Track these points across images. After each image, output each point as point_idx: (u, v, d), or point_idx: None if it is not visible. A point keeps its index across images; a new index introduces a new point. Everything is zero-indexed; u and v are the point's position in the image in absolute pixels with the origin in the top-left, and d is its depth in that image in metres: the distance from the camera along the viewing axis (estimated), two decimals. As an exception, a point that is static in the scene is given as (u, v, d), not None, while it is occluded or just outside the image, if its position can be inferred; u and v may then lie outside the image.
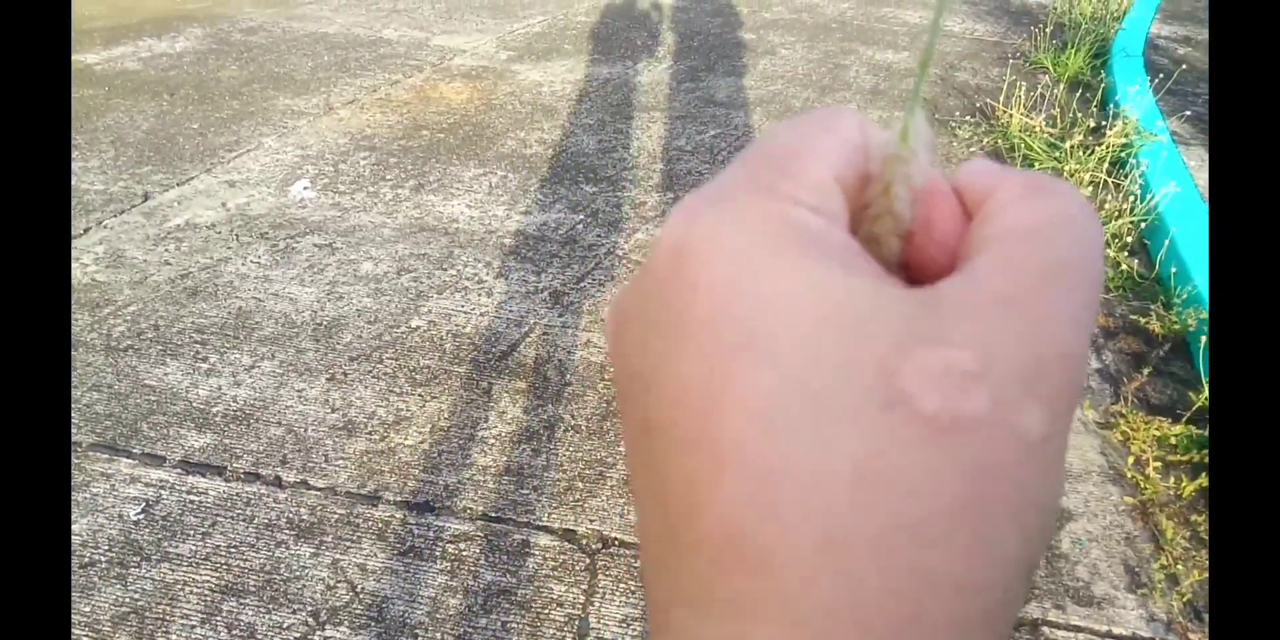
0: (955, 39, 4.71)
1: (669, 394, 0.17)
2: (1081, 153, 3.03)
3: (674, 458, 0.16)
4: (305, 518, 1.59)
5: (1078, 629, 1.45)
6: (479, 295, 2.29)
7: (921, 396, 0.15)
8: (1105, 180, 2.81)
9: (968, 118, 3.49)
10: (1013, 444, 0.15)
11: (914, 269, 0.20)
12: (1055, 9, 5.30)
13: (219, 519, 1.60)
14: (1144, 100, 3.28)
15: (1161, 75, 3.80)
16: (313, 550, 1.54)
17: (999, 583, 0.15)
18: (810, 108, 0.29)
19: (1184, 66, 3.98)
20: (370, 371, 1.97)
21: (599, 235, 2.63)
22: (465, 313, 2.21)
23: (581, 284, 2.37)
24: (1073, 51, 4.02)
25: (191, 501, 1.62)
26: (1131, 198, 2.67)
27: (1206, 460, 1.74)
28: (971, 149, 3.25)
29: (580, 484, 1.67)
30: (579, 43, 4.46)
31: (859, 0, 5.53)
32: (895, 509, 0.15)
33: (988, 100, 3.62)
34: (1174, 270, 2.24)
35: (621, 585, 1.48)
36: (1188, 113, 3.28)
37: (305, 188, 2.84)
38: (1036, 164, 3.05)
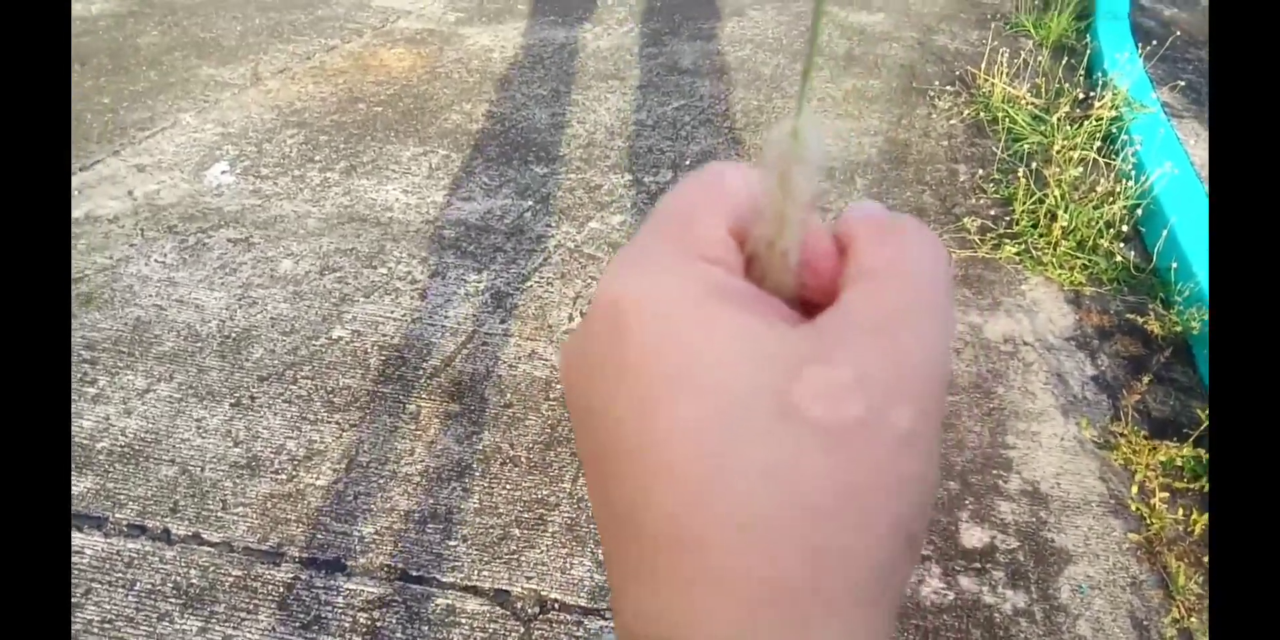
0: (932, -1, 4.35)
1: (615, 422, 0.20)
2: (1069, 126, 2.75)
3: (621, 474, 0.20)
4: (195, 582, 1.32)
5: (1081, 698, 1.25)
6: (411, 298, 1.99)
7: (810, 407, 0.19)
8: (1095, 159, 2.54)
9: (948, 87, 3.18)
10: (887, 438, 0.19)
11: (805, 300, 0.23)
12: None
13: (94, 585, 1.32)
14: (1133, 69, 2.98)
15: (1150, 39, 3.50)
16: (201, 623, 1.27)
17: (885, 551, 0.19)
18: (705, 165, 0.24)
19: (1173, 29, 3.68)
20: (281, 394, 1.67)
21: (549, 225, 2.32)
22: (395, 320, 1.92)
23: (527, 283, 2.07)
24: (1055, 13, 3.69)
25: (60, 563, 1.34)
26: (1125, 179, 2.41)
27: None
28: (951, 121, 2.96)
29: (517, 531, 1.41)
30: (535, 2, 4.05)
31: (832, -44, 5.11)
32: (795, 496, 0.18)
33: (968, 67, 3.31)
34: (1174, 265, 1.99)
35: (562, 660, 1.24)
36: (1180, 82, 3.00)
37: (223, 172, 2.49)
38: (1022, 138, 2.77)
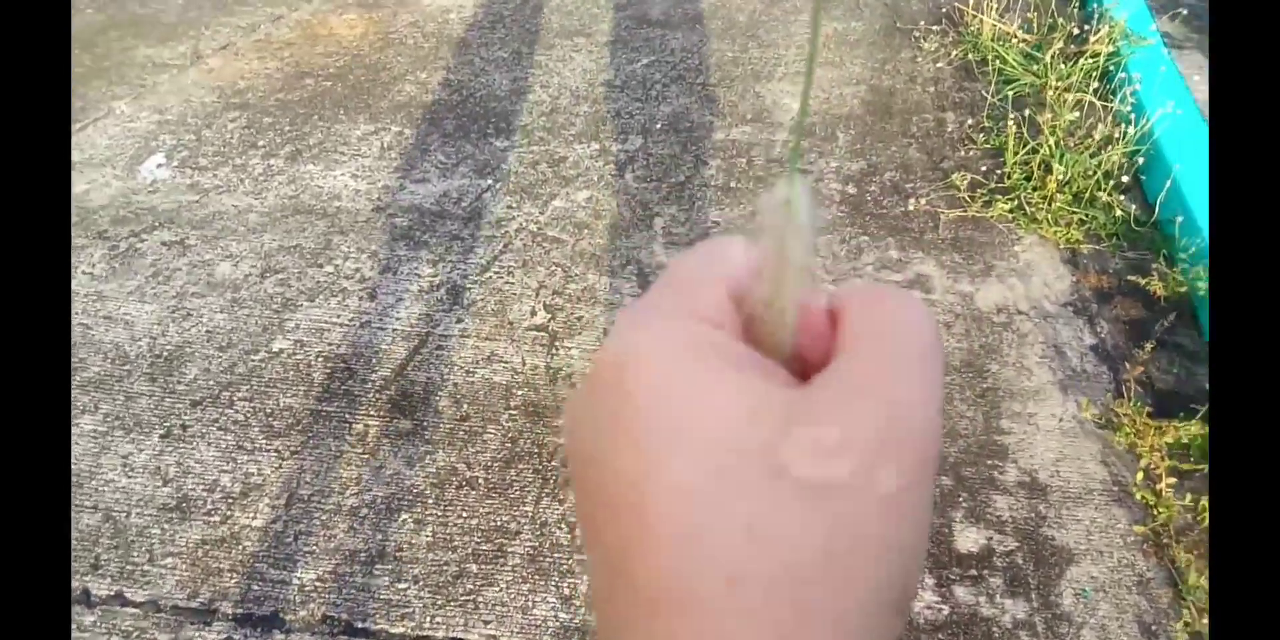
0: (918, -75, 3.99)
1: (611, 477, 0.20)
2: (1064, 65, 2.50)
3: (615, 527, 0.20)
4: None
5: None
6: (360, 299, 1.83)
7: (796, 466, 0.19)
8: (1092, 101, 2.30)
9: (934, 26, 2.90)
10: (872, 499, 0.19)
11: (801, 365, 0.23)
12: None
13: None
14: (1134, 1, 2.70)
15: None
16: (138, 682, 1.17)
17: (868, 615, 0.19)
18: (709, 239, 0.25)
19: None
20: (216, 420, 1.53)
21: (510, 205, 2.13)
22: (341, 326, 1.76)
23: (487, 274, 1.90)
24: (1052, -65, 3.36)
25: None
26: (1124, 123, 2.18)
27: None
28: (939, 63, 2.70)
29: (474, 566, 1.29)
30: (493, -46, 3.73)
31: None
32: (780, 555, 0.18)
33: (955, 3, 3.02)
34: (1178, 218, 1.80)
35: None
36: (1182, 10, 2.72)
37: (159, 165, 2.29)
38: (1014, 80, 2.53)
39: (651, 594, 0.19)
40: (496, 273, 1.90)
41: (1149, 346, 1.62)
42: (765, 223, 0.22)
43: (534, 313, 1.79)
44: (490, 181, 2.22)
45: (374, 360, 1.67)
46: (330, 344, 1.71)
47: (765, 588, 0.18)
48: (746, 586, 0.18)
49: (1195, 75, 2.39)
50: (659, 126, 2.45)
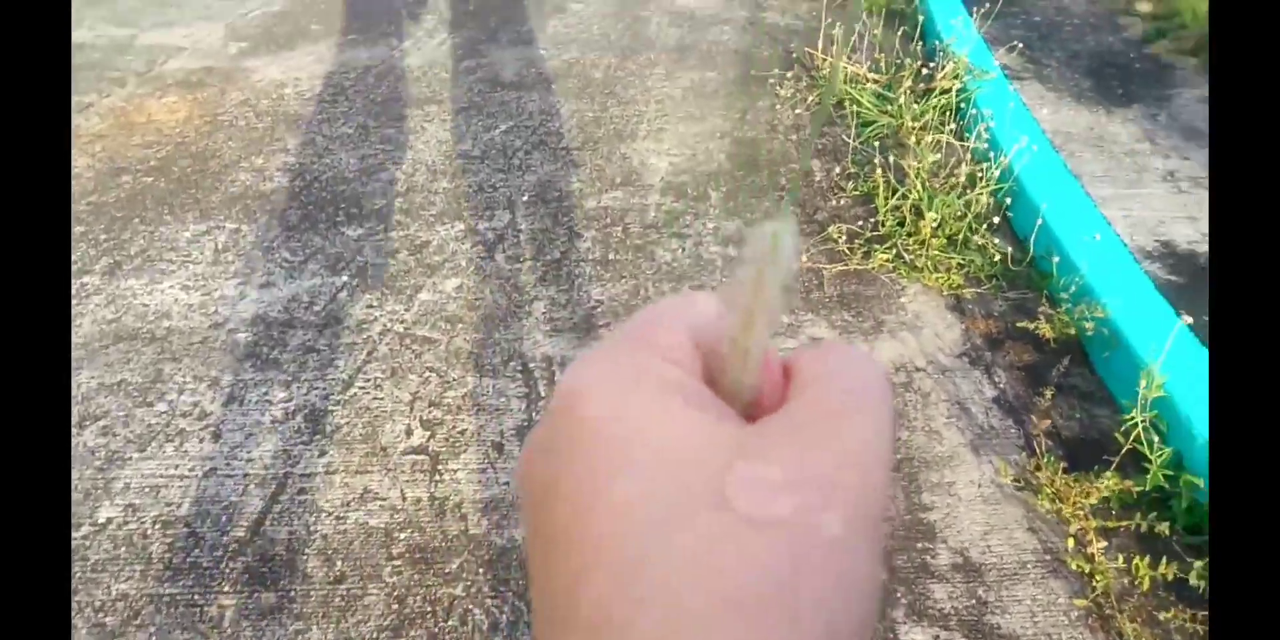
0: (756, -30, 4.07)
1: (558, 505, 0.20)
2: (915, 104, 2.55)
3: (560, 558, 0.20)
4: None
5: None
6: (201, 441, 1.56)
7: (739, 501, 0.19)
8: (950, 141, 2.33)
9: (787, 72, 2.92)
10: (815, 540, 0.18)
11: (758, 410, 0.23)
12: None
13: None
14: (968, 33, 2.81)
15: (973, -5, 3.35)
16: None
17: None
18: (675, 293, 0.28)
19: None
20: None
21: (370, 304, 1.91)
22: (181, 478, 1.48)
23: (350, 390, 1.68)
24: (880, -24, 3.49)
25: None
26: (982, 160, 2.22)
27: (1148, 525, 1.34)
28: (797, 110, 2.70)
29: None
30: (331, 20, 3.50)
31: (647, -67, 4.74)
32: (719, 590, 0.18)
33: (804, 48, 3.06)
34: (1055, 259, 1.81)
35: None
36: (1016, 43, 2.85)
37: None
38: (871, 122, 2.55)
39: (594, 621, 0.18)
40: (362, 388, 1.68)
41: (1049, 394, 1.59)
42: (745, 259, 0.22)
43: (409, 432, 1.58)
44: (345, 278, 1.99)
45: (224, 519, 1.40)
46: (169, 504, 1.43)
47: (704, 620, 0.17)
48: (684, 619, 0.17)
49: (1043, 108, 2.48)
50: (526, 198, 2.30)
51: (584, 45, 3.25)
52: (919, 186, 2.09)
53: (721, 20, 3.45)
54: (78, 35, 3.35)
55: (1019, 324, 1.77)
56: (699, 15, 3.51)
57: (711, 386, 0.23)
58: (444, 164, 2.47)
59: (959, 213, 2.04)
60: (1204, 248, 1.91)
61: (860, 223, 2.14)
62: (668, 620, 0.17)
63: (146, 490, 1.46)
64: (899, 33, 3.05)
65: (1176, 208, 2.07)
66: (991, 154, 2.17)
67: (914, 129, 2.45)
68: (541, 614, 0.20)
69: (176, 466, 1.50)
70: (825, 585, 0.18)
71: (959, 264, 1.95)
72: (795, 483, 0.19)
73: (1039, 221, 1.88)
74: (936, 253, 1.97)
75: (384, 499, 1.44)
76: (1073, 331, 1.71)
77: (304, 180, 2.39)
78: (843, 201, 2.25)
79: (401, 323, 1.85)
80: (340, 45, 3.26)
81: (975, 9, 3.09)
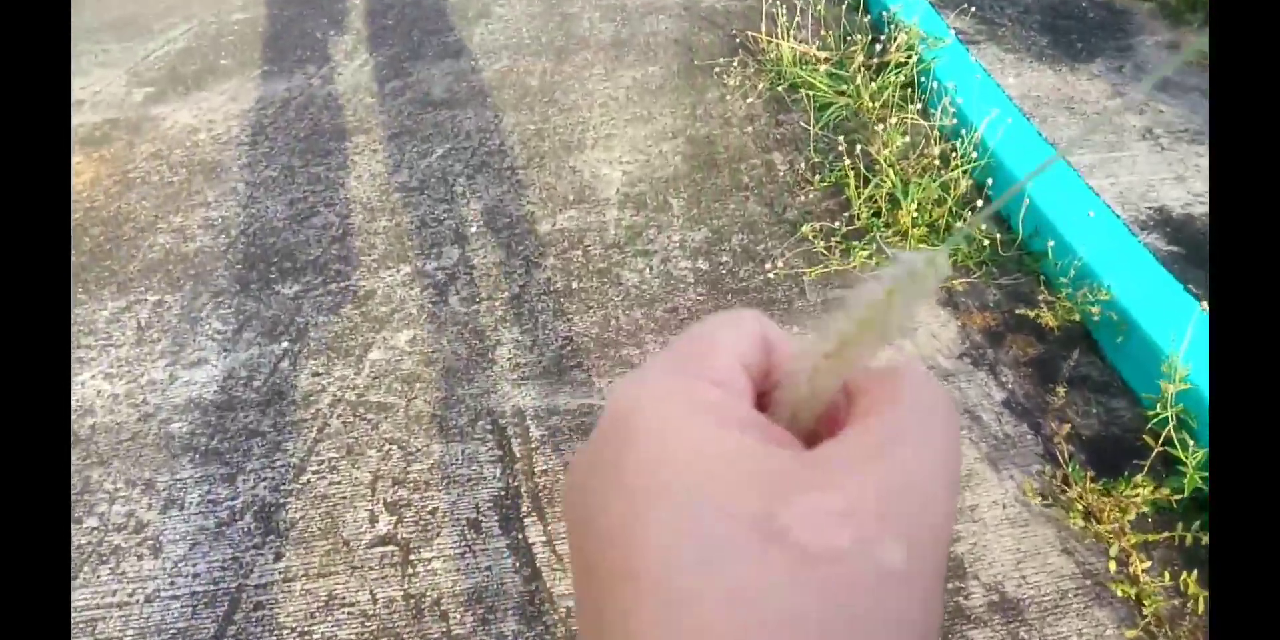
0: (684, -49, 3.88)
1: (604, 535, 0.19)
2: (872, 82, 2.39)
3: (605, 589, 0.19)
4: None
5: None
6: (138, 559, 1.38)
7: (796, 531, 0.18)
8: (915, 120, 2.18)
9: (733, 59, 2.75)
10: (874, 573, 0.17)
11: (815, 437, 0.22)
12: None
13: None
14: (917, 2, 2.65)
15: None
16: None
17: None
18: (723, 311, 0.24)
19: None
20: None
21: (316, 372, 1.73)
22: (119, 607, 1.30)
23: (303, 477, 1.50)
24: (814, -54, 3.32)
25: None
26: (952, 138, 2.07)
27: (1192, 536, 1.22)
28: (749, 99, 2.54)
29: None
30: (240, 52, 3.27)
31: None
32: (767, 626, 0.16)
33: (746, 31, 2.89)
34: (1050, 243, 1.67)
35: None
36: (966, 4, 2.70)
37: None
38: (828, 105, 2.39)
39: None
40: (315, 472, 1.50)
41: (1061, 391, 1.46)
42: (870, 287, 0.21)
43: (374, 519, 1.41)
44: (285, 344, 1.81)
45: (171, 653, 1.23)
46: (107, 638, 1.26)
47: None
48: None
49: (1005, 73, 2.33)
50: (474, 229, 2.12)
51: (515, 51, 3.05)
52: (891, 173, 1.94)
53: (656, 8, 3.27)
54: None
55: (1018, 312, 1.64)
56: (630, 6, 3.32)
57: (764, 409, 0.22)
58: (380, 200, 2.28)
59: (937, 197, 1.89)
60: (1199, 210, 1.79)
61: (833, 218, 1.99)
62: None
63: (81, 626, 1.28)
64: (843, 6, 2.88)
65: (1162, 168, 1.94)
66: (962, 130, 2.02)
67: (874, 109, 2.30)
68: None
69: (114, 593, 1.32)
70: (884, 621, 0.17)
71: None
72: (855, 511, 0.18)
73: (1025, 201, 1.74)
74: (919, 243, 1.83)
75: (352, 604, 1.27)
76: (1077, 317, 1.58)
77: (229, 236, 2.18)
78: (811, 195, 2.10)
79: (353, 389, 1.67)
80: (253, 79, 3.03)
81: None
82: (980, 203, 1.83)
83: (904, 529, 0.18)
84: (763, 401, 0.22)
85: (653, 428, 0.20)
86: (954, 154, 1.97)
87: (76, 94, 3.04)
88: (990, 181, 1.87)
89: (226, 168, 2.49)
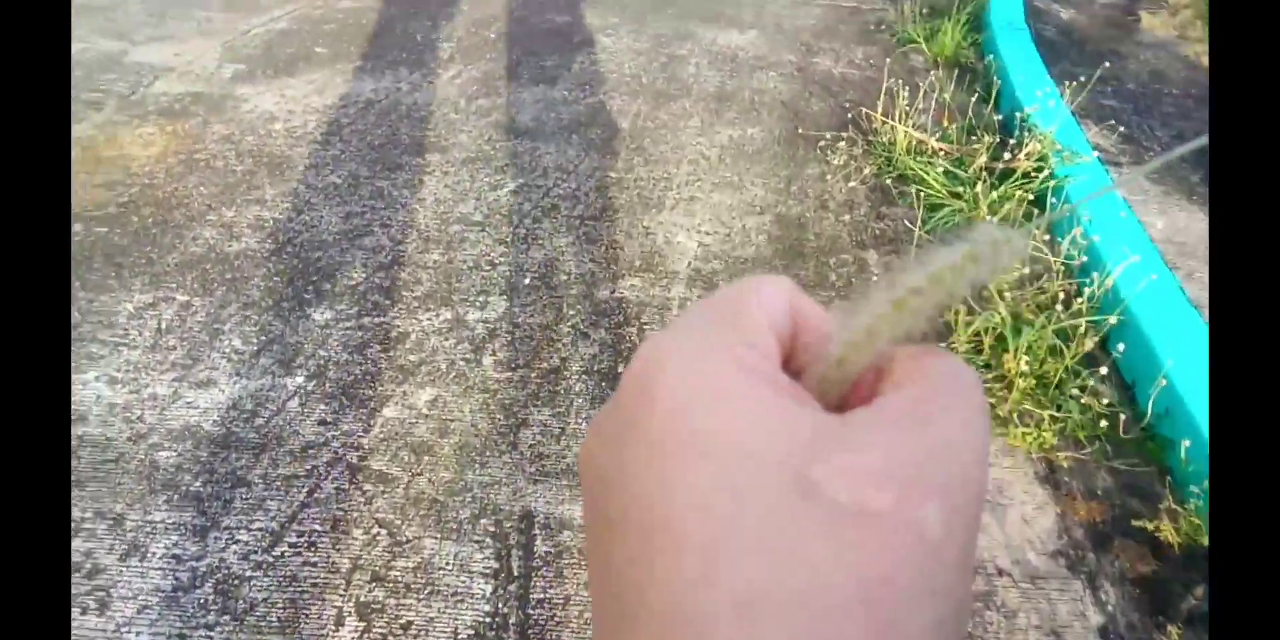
0: (808, 6, 3.72)
1: (628, 490, 0.19)
2: (993, 190, 2.17)
3: (629, 545, 0.18)
4: None
5: None
6: (82, 612, 1.22)
7: (835, 490, 0.17)
8: (1037, 247, 1.95)
9: (841, 134, 2.55)
10: (913, 536, 0.17)
11: (848, 406, 0.21)
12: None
13: None
14: (1053, 102, 2.43)
15: (1056, 53, 2.97)
16: None
17: None
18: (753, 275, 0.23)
19: (1076, 37, 3.17)
20: None
21: (324, 420, 1.57)
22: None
23: (278, 548, 1.33)
24: (948, 25, 3.12)
25: None
26: (1078, 278, 1.84)
27: None
28: (851, 183, 2.34)
29: None
30: (338, 43, 3.20)
31: (693, -41, 4.40)
32: (800, 581, 0.16)
33: (861, 107, 2.69)
34: (1186, 443, 1.41)
35: None
36: (1109, 120, 2.46)
37: None
38: (939, 206, 2.18)
39: (666, 620, 0.17)
40: (293, 545, 1.34)
41: (1174, 632, 1.21)
42: (942, 255, 0.21)
43: (340, 621, 1.23)
44: (300, 379, 1.66)
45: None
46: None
47: (779, 616, 0.16)
48: (758, 611, 0.16)
49: (1148, 208, 2.09)
50: (528, 281, 1.96)
51: (612, 87, 2.91)
52: (1001, 306, 1.72)
53: (767, 64, 3.10)
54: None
55: (1133, 520, 1.38)
56: (742, 57, 3.16)
57: (793, 375, 0.22)
58: (438, 229, 2.13)
59: (1052, 345, 1.66)
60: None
61: (928, 341, 1.77)
62: (740, 611, 0.16)
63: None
64: (973, 97, 2.67)
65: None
66: (1094, 273, 1.79)
67: (992, 222, 2.08)
68: (604, 609, 0.19)
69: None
70: (921, 587, 0.17)
71: (1052, 416, 1.57)
72: (893, 474, 0.17)
73: (1160, 381, 1.49)
74: (1023, 398, 1.60)
75: (292, 729, 1.10)
76: (1205, 541, 1.33)
77: (276, 241, 2.06)
78: (902, 310, 1.88)
79: (357, 450, 1.51)
80: (344, 73, 2.95)
81: (1055, 66, 2.71)
82: (1105, 369, 1.58)
83: (941, 495, 0.18)
84: (789, 369, 0.22)
85: (679, 381, 0.19)
86: (1078, 298, 1.74)
87: (168, 60, 3.00)
88: (1121, 347, 1.61)
89: (293, 165, 2.39)
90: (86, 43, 3.11)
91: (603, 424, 0.21)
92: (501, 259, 2.03)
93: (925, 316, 0.21)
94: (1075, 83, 2.47)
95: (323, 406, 1.59)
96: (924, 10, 3.39)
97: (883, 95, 2.60)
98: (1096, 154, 2.26)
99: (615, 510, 0.19)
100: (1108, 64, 2.69)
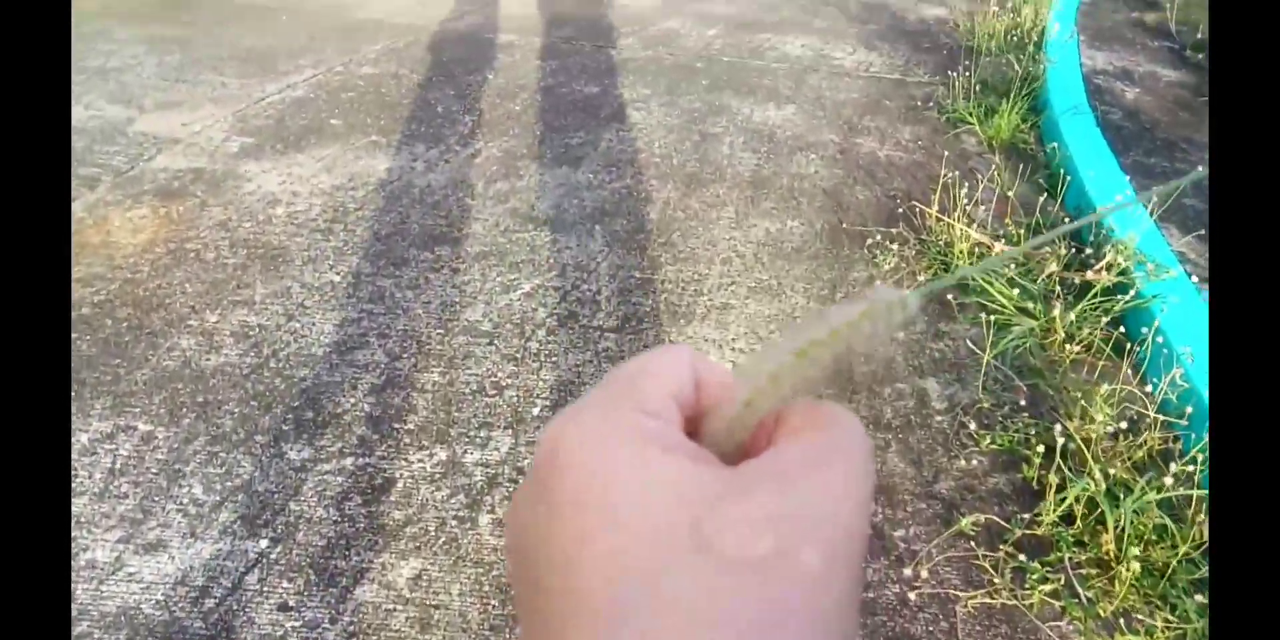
0: (850, 78, 3.52)
1: (544, 556, 0.21)
2: (1070, 309, 1.90)
3: (551, 608, 0.20)
4: None
5: None
6: None
7: (723, 541, 0.19)
8: (1131, 391, 1.66)
9: (890, 231, 2.31)
10: (795, 578, 0.19)
11: (746, 458, 0.23)
12: (958, 27, 4.19)
13: None
14: (1139, 217, 2.16)
15: (1124, 141, 2.72)
16: None
17: None
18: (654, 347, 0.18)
19: (1144, 120, 2.92)
20: None
21: (286, 602, 1.31)
22: None
23: None
24: (1005, 106, 2.89)
25: None
26: (1175, 427, 1.55)
27: None
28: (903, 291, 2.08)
29: None
30: (354, 114, 3.04)
31: (728, 26, 4.24)
32: (701, 629, 0.17)
33: (912, 201, 2.45)
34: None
35: None
36: (1200, 228, 2.19)
37: None
38: (1005, 325, 1.91)
39: None
40: None
41: None
42: (832, 314, 0.23)
43: None
44: (264, 544, 1.40)
45: None
46: None
47: None
48: None
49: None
50: (536, 411, 1.71)
51: (641, 168, 2.70)
52: (1095, 468, 1.44)
53: (807, 145, 2.88)
54: (72, 115, 2.93)
55: None
56: (779, 137, 2.95)
57: (694, 436, 0.23)
58: (441, 342, 1.90)
59: (1159, 523, 1.37)
60: None
61: (1003, 506, 1.49)
62: None
63: None
64: (1034, 186, 2.42)
65: None
66: (1188, 411, 1.50)
67: (1070, 351, 1.80)
68: None
69: None
70: (808, 619, 0.18)
71: (1165, 621, 1.27)
72: (775, 518, 0.19)
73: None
74: (1128, 592, 1.30)
75: None
76: None
77: (259, 354, 1.84)
78: (974, 462, 1.60)
79: (321, 647, 1.24)
80: (357, 149, 2.77)
81: (1125, 156, 2.45)
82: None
83: (821, 535, 0.19)
84: (691, 431, 0.24)
85: (582, 455, 0.21)
86: (1181, 457, 1.45)
87: (174, 131, 2.85)
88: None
89: (290, 259, 2.18)
90: (94, 110, 2.97)
91: (522, 499, 0.22)
92: (509, 381, 1.78)
93: (824, 366, 0.23)
94: (1156, 181, 2.21)
95: (285, 584, 1.34)
96: (977, 86, 3.17)
97: (939, 189, 2.36)
98: (1184, 267, 1.99)
99: (537, 574, 0.20)
100: (1195, 164, 2.42)
